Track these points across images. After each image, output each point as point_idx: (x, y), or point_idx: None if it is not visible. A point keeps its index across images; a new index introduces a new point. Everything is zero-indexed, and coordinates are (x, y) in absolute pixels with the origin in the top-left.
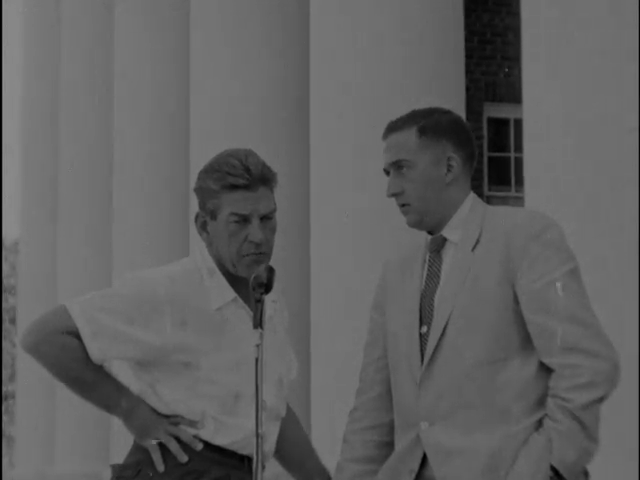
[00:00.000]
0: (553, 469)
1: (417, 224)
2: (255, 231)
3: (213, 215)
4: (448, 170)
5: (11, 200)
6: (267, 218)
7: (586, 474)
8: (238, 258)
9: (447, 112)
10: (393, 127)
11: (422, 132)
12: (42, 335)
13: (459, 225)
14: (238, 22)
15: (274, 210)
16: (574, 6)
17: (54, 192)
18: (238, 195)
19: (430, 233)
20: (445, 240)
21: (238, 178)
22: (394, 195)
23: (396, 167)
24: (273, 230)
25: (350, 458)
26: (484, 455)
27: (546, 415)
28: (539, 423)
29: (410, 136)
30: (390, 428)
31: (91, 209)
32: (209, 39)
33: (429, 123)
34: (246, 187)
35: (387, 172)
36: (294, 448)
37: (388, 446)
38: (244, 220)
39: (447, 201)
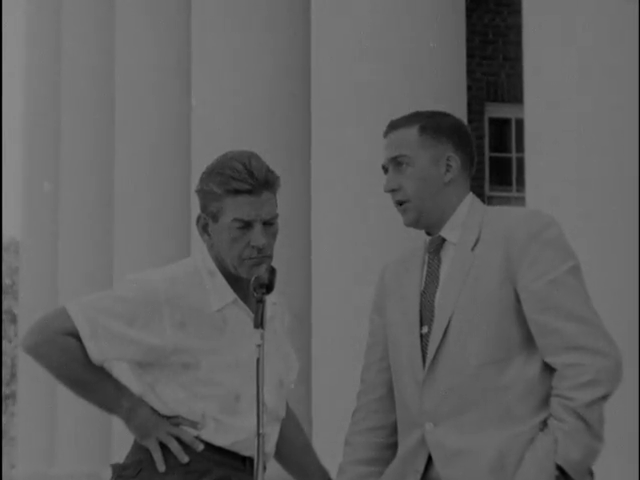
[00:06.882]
0: (559, 468)
1: (414, 222)
2: (257, 236)
3: (215, 218)
4: (447, 170)
5: (10, 200)
6: (269, 223)
7: (591, 473)
8: (239, 262)
9: (449, 115)
10: (394, 125)
11: (423, 130)
12: (42, 336)
13: (458, 226)
14: (239, 21)
15: (276, 215)
16: (575, 7)
17: (55, 192)
18: (241, 200)
19: (428, 234)
20: (444, 241)
21: (242, 183)
22: (392, 191)
23: (395, 163)
24: (275, 234)
25: (352, 460)
26: (490, 455)
27: (550, 415)
28: (544, 423)
29: (411, 133)
30: (392, 429)
31: (92, 209)
32: (209, 37)
33: (430, 122)
34: (249, 192)
35: (385, 170)
36: (294, 449)
37: (390, 448)
38: (247, 225)
39: (445, 201)
